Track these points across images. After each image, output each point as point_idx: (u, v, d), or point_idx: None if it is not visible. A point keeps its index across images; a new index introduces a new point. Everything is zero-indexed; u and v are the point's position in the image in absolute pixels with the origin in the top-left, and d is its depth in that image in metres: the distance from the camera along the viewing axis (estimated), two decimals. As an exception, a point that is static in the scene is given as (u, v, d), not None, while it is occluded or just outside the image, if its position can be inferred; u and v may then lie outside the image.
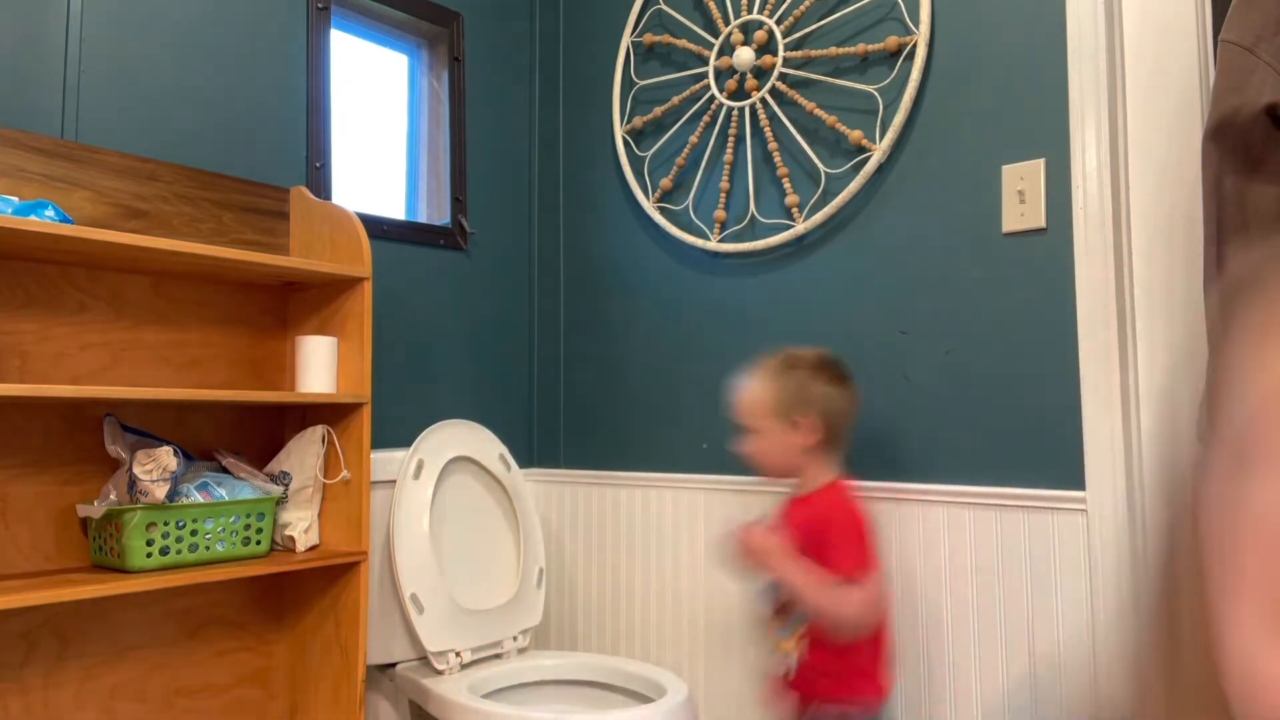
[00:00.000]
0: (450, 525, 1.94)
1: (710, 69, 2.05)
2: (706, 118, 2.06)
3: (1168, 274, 1.48)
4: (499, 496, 2.05)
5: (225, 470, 1.67)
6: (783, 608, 1.45)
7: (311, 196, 1.83)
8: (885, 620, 1.46)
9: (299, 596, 1.80)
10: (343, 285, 1.76)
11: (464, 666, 1.84)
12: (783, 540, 1.43)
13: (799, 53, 1.89)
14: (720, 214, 2.01)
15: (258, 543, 1.61)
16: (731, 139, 1.99)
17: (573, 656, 1.90)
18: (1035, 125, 1.58)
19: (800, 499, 1.50)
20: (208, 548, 1.54)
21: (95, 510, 1.47)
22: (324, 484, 1.74)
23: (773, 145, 1.92)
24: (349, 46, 2.15)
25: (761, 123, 1.94)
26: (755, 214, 1.97)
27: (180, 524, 1.50)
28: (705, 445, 2.03)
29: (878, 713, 1.43)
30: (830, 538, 1.40)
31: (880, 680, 1.43)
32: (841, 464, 1.52)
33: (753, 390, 1.51)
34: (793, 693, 1.44)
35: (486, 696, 1.74)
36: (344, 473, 1.71)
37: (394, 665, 1.88)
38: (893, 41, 1.74)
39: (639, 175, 2.20)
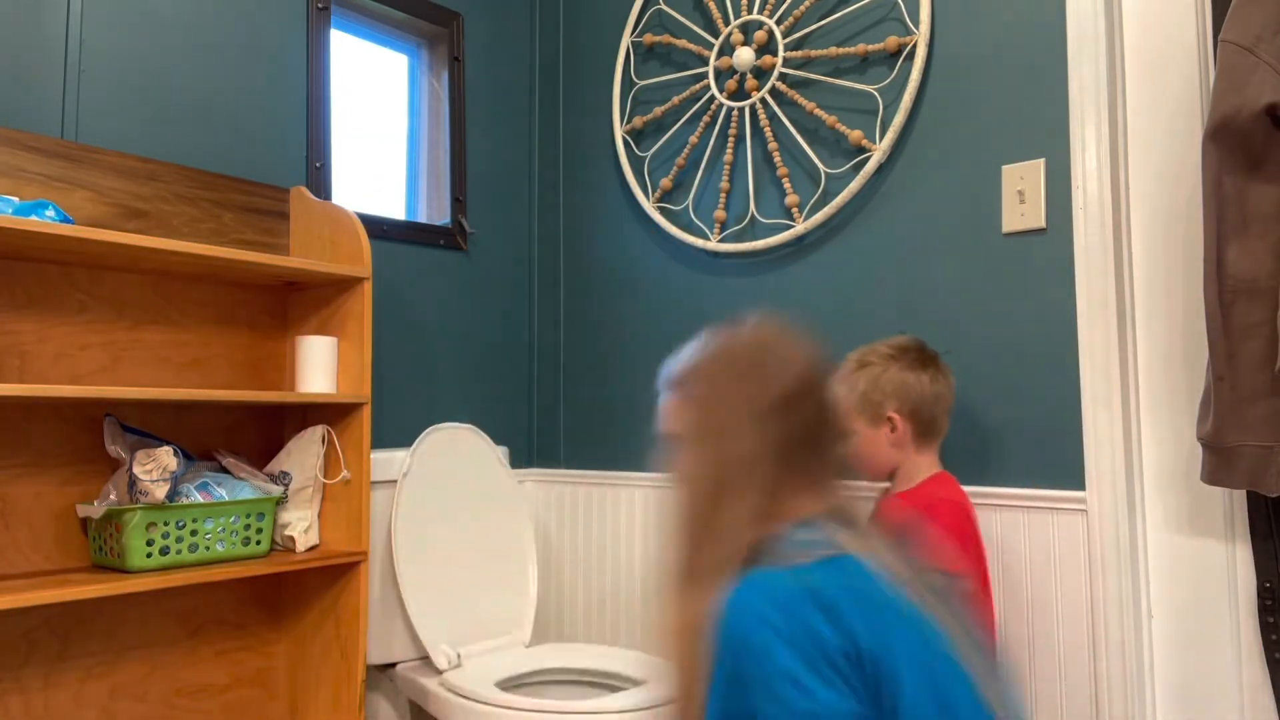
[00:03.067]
0: (449, 525, 1.94)
1: (710, 69, 2.05)
2: (706, 118, 2.06)
3: (1168, 274, 1.48)
4: (498, 497, 2.05)
5: (225, 470, 1.67)
6: None
7: (311, 196, 1.83)
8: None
9: (299, 596, 1.80)
10: (343, 285, 1.76)
11: (463, 665, 1.84)
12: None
13: (799, 53, 1.89)
14: (720, 214, 2.01)
15: (258, 543, 1.61)
16: (731, 139, 1.99)
17: (573, 653, 1.90)
18: (1035, 125, 1.58)
19: (899, 495, 1.45)
20: (208, 548, 1.54)
21: (95, 510, 1.47)
22: (324, 484, 1.74)
23: (773, 145, 1.92)
24: (349, 46, 2.15)
25: (761, 123, 1.94)
26: (755, 214, 1.97)
27: (180, 524, 1.50)
28: (705, 445, 2.03)
29: None
30: (931, 532, 1.35)
31: None
32: (938, 457, 1.48)
33: (836, 394, 1.49)
34: None
35: (486, 694, 1.74)
36: (344, 473, 1.71)
37: (394, 665, 1.88)
38: (893, 41, 1.74)
39: (639, 175, 2.20)
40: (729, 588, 0.83)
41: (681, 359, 0.98)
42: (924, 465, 1.46)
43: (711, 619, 0.84)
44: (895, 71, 1.76)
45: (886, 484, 1.52)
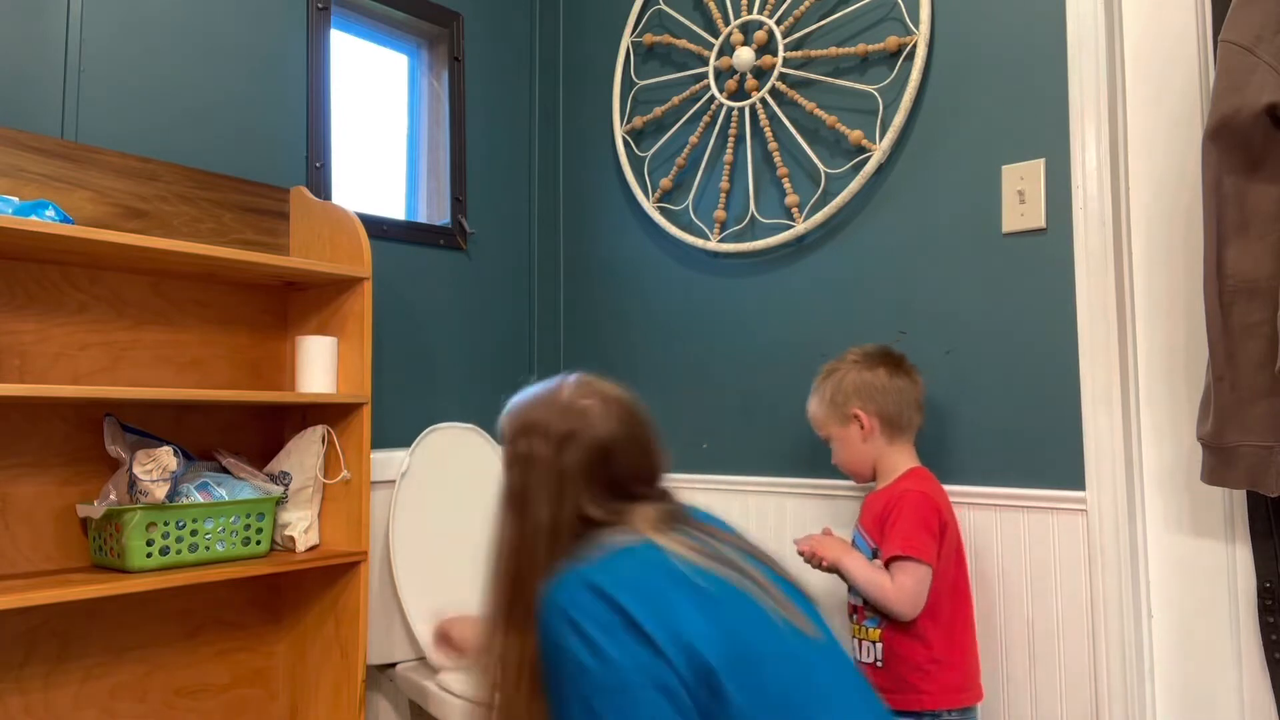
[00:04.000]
0: (449, 525, 1.94)
1: (710, 69, 2.05)
2: (706, 118, 2.06)
3: (1168, 274, 1.48)
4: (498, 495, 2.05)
5: (225, 470, 1.67)
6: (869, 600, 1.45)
7: (311, 196, 1.83)
8: (961, 611, 1.46)
9: (299, 596, 1.80)
10: (343, 285, 1.76)
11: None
12: (835, 536, 1.51)
13: (799, 53, 1.89)
14: (720, 214, 2.01)
15: (258, 543, 1.61)
16: (731, 139, 1.99)
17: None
18: (1035, 125, 1.58)
19: (877, 493, 1.51)
20: (208, 548, 1.54)
21: (95, 510, 1.47)
22: (324, 484, 1.74)
23: (773, 145, 1.92)
24: (349, 46, 2.15)
25: (761, 123, 1.94)
26: (755, 214, 1.97)
27: (180, 524, 1.50)
28: (706, 445, 2.03)
29: (960, 706, 1.42)
30: (889, 519, 1.43)
31: (960, 670, 1.42)
32: (915, 452, 1.54)
33: (811, 403, 1.58)
34: (880, 681, 1.44)
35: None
36: (344, 473, 1.71)
37: (394, 665, 1.88)
38: (893, 41, 1.74)
39: (639, 175, 2.20)
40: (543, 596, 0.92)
41: (507, 413, 1.06)
42: (900, 461, 1.52)
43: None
44: (895, 71, 1.76)
45: (873, 483, 1.57)
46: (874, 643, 1.44)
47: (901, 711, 1.40)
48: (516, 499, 1.01)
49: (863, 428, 1.51)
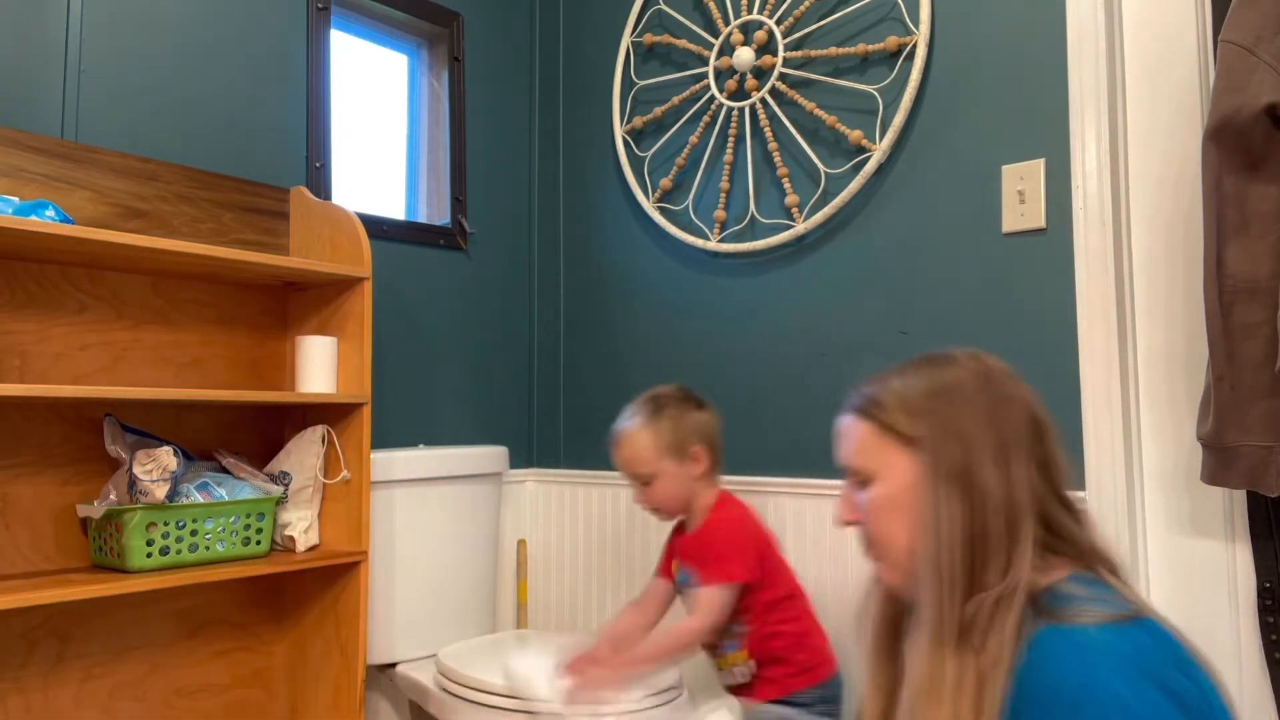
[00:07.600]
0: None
1: (710, 69, 2.05)
2: (706, 118, 2.06)
3: (1168, 274, 1.48)
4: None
5: (225, 470, 1.67)
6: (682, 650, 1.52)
7: (311, 196, 1.83)
8: (794, 600, 1.54)
9: (299, 596, 1.80)
10: (343, 285, 1.76)
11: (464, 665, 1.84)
12: (598, 667, 1.43)
13: (799, 53, 1.89)
14: (720, 214, 2.01)
15: (258, 543, 1.61)
16: (731, 139, 1.99)
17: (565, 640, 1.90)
18: (1035, 125, 1.58)
19: (692, 532, 1.58)
20: (208, 548, 1.54)
21: (95, 510, 1.47)
22: (324, 484, 1.74)
23: (773, 145, 1.92)
24: (349, 46, 2.15)
25: (761, 123, 1.94)
26: (755, 214, 1.97)
27: (180, 524, 1.50)
28: (705, 445, 2.03)
29: (828, 678, 1.52)
30: (707, 556, 1.51)
31: (809, 650, 1.52)
32: (719, 480, 1.62)
33: (634, 439, 1.57)
34: (755, 685, 1.53)
35: (485, 696, 1.74)
36: (344, 473, 1.71)
37: (394, 665, 1.88)
38: (893, 41, 1.74)
39: (639, 175, 2.20)
40: (1039, 645, 0.75)
41: (890, 388, 0.89)
42: (711, 494, 1.59)
43: (998, 677, 0.75)
44: (895, 71, 1.76)
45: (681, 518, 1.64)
46: (743, 664, 1.52)
47: (773, 700, 1.49)
48: (950, 476, 0.82)
49: (696, 465, 1.55)
